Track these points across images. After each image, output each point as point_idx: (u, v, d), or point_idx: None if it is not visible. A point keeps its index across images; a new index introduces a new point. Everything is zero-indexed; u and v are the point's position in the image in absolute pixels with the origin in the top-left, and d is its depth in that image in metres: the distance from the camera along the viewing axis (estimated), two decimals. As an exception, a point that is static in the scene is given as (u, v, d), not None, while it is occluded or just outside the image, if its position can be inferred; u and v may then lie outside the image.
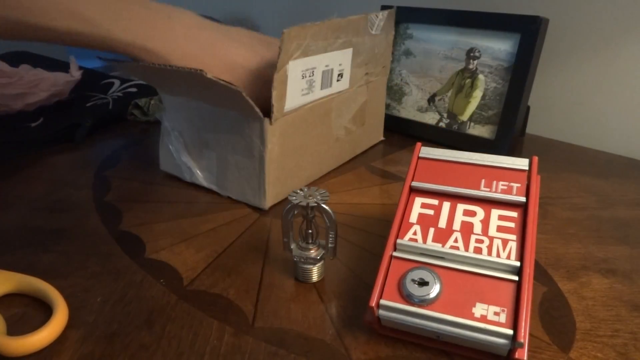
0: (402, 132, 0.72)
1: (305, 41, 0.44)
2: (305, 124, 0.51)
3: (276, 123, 0.46)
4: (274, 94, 0.44)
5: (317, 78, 0.49)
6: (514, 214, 0.34)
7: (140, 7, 0.43)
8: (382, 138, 0.70)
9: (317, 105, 0.51)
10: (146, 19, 0.43)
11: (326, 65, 0.49)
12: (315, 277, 0.38)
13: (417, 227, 0.35)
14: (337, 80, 0.53)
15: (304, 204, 0.35)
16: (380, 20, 0.55)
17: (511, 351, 0.29)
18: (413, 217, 0.35)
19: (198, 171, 0.53)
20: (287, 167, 0.50)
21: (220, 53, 0.46)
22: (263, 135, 0.45)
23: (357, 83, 0.57)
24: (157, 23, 0.43)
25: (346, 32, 0.50)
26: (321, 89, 0.51)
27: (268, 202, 0.49)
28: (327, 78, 0.51)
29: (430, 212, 0.35)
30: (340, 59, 0.51)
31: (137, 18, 0.43)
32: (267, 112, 0.45)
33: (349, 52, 0.52)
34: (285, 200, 0.48)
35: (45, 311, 0.34)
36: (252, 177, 0.48)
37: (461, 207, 0.35)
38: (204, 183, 0.53)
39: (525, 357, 0.28)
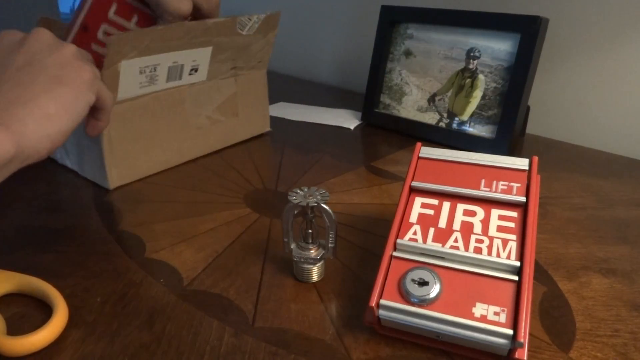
0: (402, 132, 0.72)
1: (142, 43, 0.49)
2: (150, 112, 0.55)
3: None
4: None
5: (161, 72, 0.54)
6: (514, 214, 0.34)
7: None
8: (268, 129, 0.72)
9: (163, 94, 0.56)
10: None
11: (174, 62, 0.54)
12: (315, 277, 0.38)
13: (417, 227, 0.35)
14: (190, 74, 0.57)
15: (304, 204, 0.35)
16: (254, 23, 0.60)
17: (511, 351, 0.29)
18: (413, 217, 0.35)
19: (65, 154, 0.58)
20: (131, 151, 0.54)
21: None
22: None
23: (220, 76, 0.62)
24: None
25: (205, 33, 0.54)
26: (167, 81, 0.55)
27: (111, 182, 0.53)
28: (175, 72, 0.55)
29: (430, 212, 0.35)
30: (195, 56, 0.56)
31: None
32: None
33: (208, 49, 0.57)
34: (137, 181, 0.56)
35: (45, 311, 0.34)
36: (98, 159, 0.53)
37: (461, 207, 0.35)
38: (69, 164, 0.58)
39: (525, 357, 0.28)
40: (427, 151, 0.39)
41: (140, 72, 0.51)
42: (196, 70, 0.57)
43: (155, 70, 0.52)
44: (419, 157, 0.39)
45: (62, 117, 0.35)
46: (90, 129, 0.43)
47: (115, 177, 0.54)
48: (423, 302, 0.30)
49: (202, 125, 0.62)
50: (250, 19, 0.59)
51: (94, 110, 0.41)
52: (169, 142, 0.58)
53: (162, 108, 0.56)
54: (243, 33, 0.60)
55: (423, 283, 0.31)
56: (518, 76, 0.61)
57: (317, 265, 0.38)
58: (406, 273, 0.32)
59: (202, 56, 0.57)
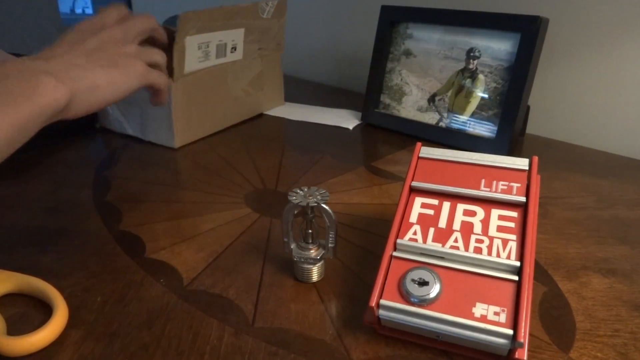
0: (402, 132, 0.72)
1: (199, 22, 0.60)
2: (205, 84, 0.67)
3: (178, 82, 0.61)
4: (175, 60, 0.59)
5: (212, 49, 0.65)
6: (514, 213, 0.34)
7: None
8: (283, 103, 0.85)
9: (213, 70, 0.67)
10: None
11: (220, 40, 0.65)
12: (315, 277, 0.38)
13: (417, 227, 0.35)
14: (231, 52, 0.69)
15: (304, 204, 0.35)
16: (271, 7, 0.72)
17: (511, 351, 0.29)
18: (413, 217, 0.35)
19: (126, 123, 0.69)
20: (192, 116, 0.66)
21: None
22: (170, 92, 0.60)
23: (251, 56, 0.74)
24: None
25: (238, 16, 0.67)
26: (216, 58, 0.67)
27: (177, 143, 0.65)
28: (221, 50, 0.67)
29: (430, 212, 0.35)
30: (233, 36, 0.68)
31: None
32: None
33: (240, 31, 0.68)
34: (193, 142, 0.67)
35: (45, 311, 0.34)
36: (166, 124, 0.64)
37: (461, 207, 0.35)
38: (130, 132, 0.69)
39: (525, 357, 0.28)
40: (427, 151, 0.39)
41: (198, 48, 0.62)
42: (235, 49, 0.69)
43: (208, 47, 0.64)
44: (419, 157, 0.39)
45: (107, 91, 0.41)
46: (154, 103, 0.51)
47: (179, 138, 0.65)
48: (423, 302, 0.30)
49: (238, 97, 0.74)
50: (267, 4, 0.71)
51: (155, 91, 0.50)
52: (216, 109, 0.70)
53: (213, 82, 0.68)
54: (263, 17, 0.71)
55: (423, 283, 0.31)
56: (518, 76, 0.61)
57: (317, 265, 0.38)
58: (406, 273, 0.32)
59: (237, 36, 0.68)
